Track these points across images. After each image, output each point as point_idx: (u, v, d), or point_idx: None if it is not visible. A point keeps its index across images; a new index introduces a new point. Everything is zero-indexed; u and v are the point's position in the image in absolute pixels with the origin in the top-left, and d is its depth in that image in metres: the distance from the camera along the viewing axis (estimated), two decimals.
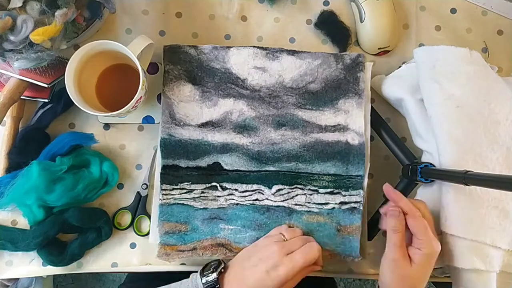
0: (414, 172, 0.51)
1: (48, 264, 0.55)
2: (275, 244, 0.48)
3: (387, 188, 0.50)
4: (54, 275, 1.17)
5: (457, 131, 0.50)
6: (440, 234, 0.50)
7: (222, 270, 0.47)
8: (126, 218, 0.57)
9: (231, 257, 0.50)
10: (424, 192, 0.53)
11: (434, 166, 0.51)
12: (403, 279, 0.45)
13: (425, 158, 0.54)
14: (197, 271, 0.48)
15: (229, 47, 0.56)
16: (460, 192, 0.48)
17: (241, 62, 0.56)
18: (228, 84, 0.56)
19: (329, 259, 0.54)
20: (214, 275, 0.46)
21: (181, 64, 0.56)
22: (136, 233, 0.56)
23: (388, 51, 0.61)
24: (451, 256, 0.49)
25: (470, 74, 0.52)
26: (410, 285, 0.45)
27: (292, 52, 0.57)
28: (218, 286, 0.45)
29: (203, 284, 0.45)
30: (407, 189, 0.54)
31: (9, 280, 0.92)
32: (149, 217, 0.56)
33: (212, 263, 0.48)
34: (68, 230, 0.55)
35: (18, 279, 0.99)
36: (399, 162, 0.55)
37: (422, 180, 0.51)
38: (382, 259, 0.47)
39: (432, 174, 0.49)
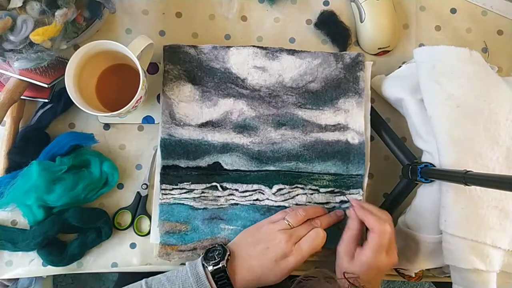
0: (414, 172, 0.51)
1: (48, 264, 0.55)
2: (283, 233, 0.47)
3: (355, 205, 0.51)
4: (54, 275, 1.17)
5: (457, 131, 0.50)
6: (440, 234, 0.50)
7: (229, 258, 0.46)
8: (126, 218, 0.57)
9: None
10: (424, 192, 0.53)
11: (434, 166, 0.51)
12: (340, 272, 0.48)
13: (425, 158, 0.54)
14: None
15: (229, 47, 0.56)
16: (460, 192, 0.48)
17: (241, 62, 0.56)
18: (228, 84, 0.56)
19: (331, 257, 0.54)
20: (223, 263, 0.44)
21: (181, 64, 0.56)
22: (136, 233, 0.56)
23: (388, 51, 0.61)
24: (451, 256, 0.49)
25: (470, 74, 0.52)
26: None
27: (292, 52, 0.57)
28: (227, 274, 0.44)
29: (210, 272, 0.44)
30: (407, 189, 0.54)
31: (9, 280, 0.92)
32: (149, 217, 0.56)
33: (215, 250, 0.47)
34: (68, 230, 0.55)
35: (18, 279, 0.99)
36: (399, 162, 0.55)
37: (422, 180, 0.51)
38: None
39: (432, 174, 0.49)
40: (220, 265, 0.44)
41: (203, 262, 0.45)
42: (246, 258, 0.47)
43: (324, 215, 0.53)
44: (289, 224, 0.49)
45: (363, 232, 0.51)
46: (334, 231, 0.54)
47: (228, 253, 0.46)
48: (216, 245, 0.48)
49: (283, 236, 0.47)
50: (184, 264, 0.56)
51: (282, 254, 0.46)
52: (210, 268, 0.44)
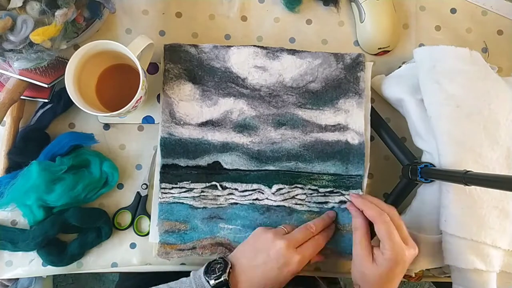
0: (414, 172, 0.51)
1: (48, 264, 0.55)
2: (281, 238, 0.47)
3: (353, 197, 0.51)
4: (54, 275, 1.17)
5: (457, 131, 0.50)
6: (440, 234, 0.50)
7: (231, 271, 0.45)
8: (126, 218, 0.57)
9: None
10: (424, 192, 0.53)
11: (434, 166, 0.51)
12: (363, 276, 0.46)
13: (425, 158, 0.54)
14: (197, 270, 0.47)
15: (229, 46, 0.56)
16: (460, 192, 0.48)
17: (241, 61, 0.56)
18: (228, 83, 0.56)
19: (330, 257, 0.54)
20: (225, 277, 0.44)
21: (181, 63, 0.56)
22: (136, 233, 0.56)
23: (388, 51, 0.61)
24: (451, 256, 0.49)
25: (470, 74, 0.52)
26: (370, 283, 0.45)
27: (293, 52, 0.57)
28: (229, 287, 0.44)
29: (212, 286, 0.43)
30: (407, 189, 0.54)
31: (9, 280, 0.92)
32: (149, 217, 0.56)
33: (217, 263, 0.46)
34: (68, 230, 0.55)
35: (18, 279, 0.99)
36: (399, 162, 0.55)
37: (422, 180, 0.51)
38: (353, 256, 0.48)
39: (432, 174, 0.49)
40: (222, 279, 0.43)
41: (205, 277, 0.44)
42: (248, 269, 0.46)
43: (318, 218, 0.53)
44: (284, 229, 0.50)
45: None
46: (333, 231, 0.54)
47: (230, 266, 0.45)
48: (218, 258, 0.47)
49: (282, 242, 0.46)
50: (184, 264, 0.56)
51: (284, 261, 0.45)
52: (212, 282, 0.43)
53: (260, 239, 0.48)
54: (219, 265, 0.45)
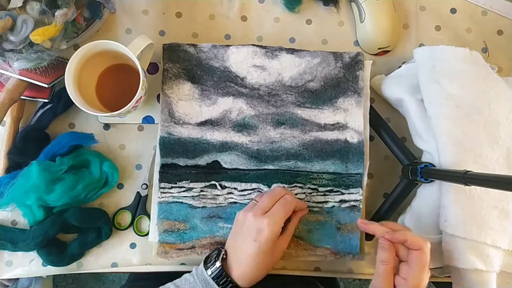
0: (414, 172, 0.51)
1: (48, 264, 0.55)
2: (249, 211, 0.47)
3: (387, 233, 0.45)
4: (54, 275, 1.17)
5: (457, 131, 0.50)
6: (440, 235, 0.50)
7: (224, 256, 0.47)
8: (126, 218, 0.57)
9: None
10: (424, 192, 0.53)
11: (434, 166, 0.51)
12: None
13: (425, 158, 0.54)
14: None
15: (228, 46, 0.56)
16: (460, 192, 0.48)
17: (240, 61, 0.56)
18: (227, 82, 0.56)
19: (330, 257, 0.54)
20: (218, 264, 0.45)
21: (181, 62, 0.56)
22: (136, 233, 0.56)
23: (388, 51, 0.61)
24: (451, 256, 0.49)
25: (470, 74, 0.52)
26: None
27: (292, 51, 0.57)
28: (224, 273, 0.45)
29: (209, 276, 0.45)
30: (407, 189, 0.54)
31: (9, 280, 0.92)
32: (149, 217, 0.56)
33: (213, 253, 0.48)
34: (68, 230, 0.55)
35: (18, 279, 0.99)
36: (399, 162, 0.55)
37: (422, 180, 0.51)
38: (370, 286, 0.46)
39: (432, 174, 0.49)
40: (217, 265, 0.45)
41: (204, 266, 0.46)
42: (234, 252, 0.47)
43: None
44: (255, 201, 0.50)
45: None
46: (332, 231, 0.54)
47: (223, 252, 0.47)
48: (215, 249, 0.49)
49: (249, 214, 0.47)
50: (184, 264, 0.56)
51: (256, 230, 0.45)
52: (209, 272, 0.45)
53: (237, 222, 0.49)
54: (214, 255, 0.47)
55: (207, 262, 0.47)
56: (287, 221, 0.49)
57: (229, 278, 0.45)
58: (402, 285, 0.43)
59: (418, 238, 0.44)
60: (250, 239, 0.46)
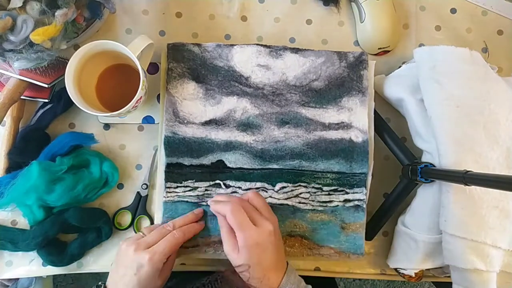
0: (414, 172, 0.51)
1: (48, 264, 0.55)
2: (131, 245, 0.47)
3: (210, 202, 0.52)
4: (54, 275, 1.17)
5: (457, 131, 0.50)
6: (440, 234, 0.50)
7: None
8: (126, 218, 0.57)
9: None
10: (424, 192, 0.53)
11: (434, 166, 0.51)
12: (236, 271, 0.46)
13: (425, 158, 0.54)
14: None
15: (232, 45, 0.56)
16: (460, 192, 0.48)
17: (244, 60, 0.56)
18: (232, 82, 0.56)
19: (334, 256, 0.54)
20: None
21: (185, 62, 0.56)
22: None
23: (388, 51, 0.61)
24: (451, 256, 0.49)
25: (470, 74, 0.52)
26: (243, 275, 0.45)
27: (296, 50, 0.57)
28: None
29: None
30: (407, 189, 0.54)
31: (9, 280, 0.91)
32: (149, 217, 0.56)
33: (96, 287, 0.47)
34: (68, 230, 0.55)
35: (18, 279, 0.99)
36: (399, 162, 0.55)
37: (422, 180, 0.51)
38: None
39: (432, 174, 0.49)
40: None
41: None
42: (115, 286, 0.46)
43: (180, 217, 0.53)
44: (142, 233, 0.50)
45: None
46: (336, 230, 0.54)
47: (102, 286, 0.47)
48: (98, 283, 0.48)
49: (130, 249, 0.46)
50: (183, 264, 0.56)
51: (137, 265, 0.45)
52: None
53: (119, 253, 0.48)
54: None
55: None
56: None
57: None
58: (238, 244, 0.46)
59: (218, 205, 0.49)
60: (130, 272, 0.45)
